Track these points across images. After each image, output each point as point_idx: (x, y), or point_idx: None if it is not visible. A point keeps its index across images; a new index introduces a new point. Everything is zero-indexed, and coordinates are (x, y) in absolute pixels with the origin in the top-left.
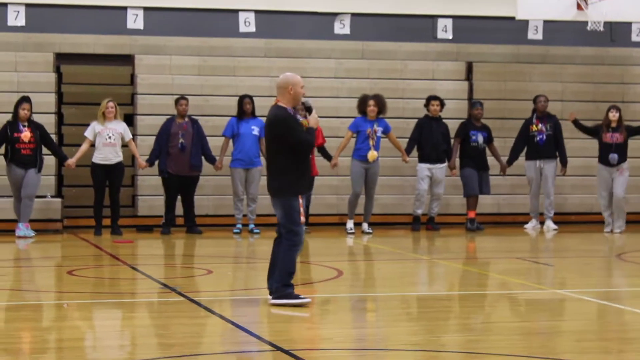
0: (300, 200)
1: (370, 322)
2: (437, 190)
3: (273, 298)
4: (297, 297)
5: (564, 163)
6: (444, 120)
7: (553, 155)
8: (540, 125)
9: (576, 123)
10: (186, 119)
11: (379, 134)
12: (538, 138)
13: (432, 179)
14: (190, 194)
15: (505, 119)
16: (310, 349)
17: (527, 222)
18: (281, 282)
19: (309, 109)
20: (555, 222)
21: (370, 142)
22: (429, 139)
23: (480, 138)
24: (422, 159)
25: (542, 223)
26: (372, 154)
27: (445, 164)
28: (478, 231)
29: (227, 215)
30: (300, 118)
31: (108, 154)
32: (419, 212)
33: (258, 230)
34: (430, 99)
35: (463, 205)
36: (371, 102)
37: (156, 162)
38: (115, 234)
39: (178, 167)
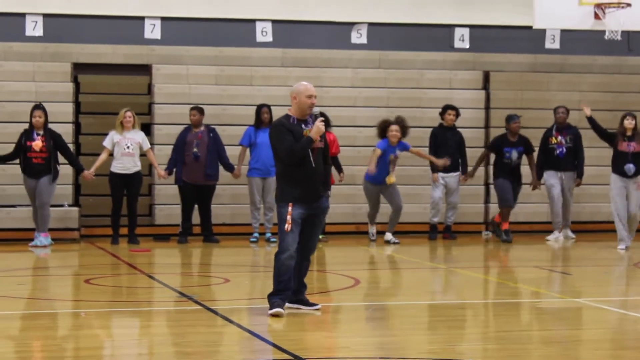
0: (290, 209)
1: (388, 330)
2: (452, 199)
3: None
4: (274, 306)
5: (579, 174)
6: (459, 129)
7: (573, 168)
8: (560, 137)
9: (591, 120)
10: (202, 128)
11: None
12: (558, 151)
13: (447, 187)
14: (206, 203)
15: (523, 128)
16: (328, 358)
17: (546, 232)
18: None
19: (315, 119)
20: (573, 231)
21: (391, 168)
22: (443, 148)
23: (515, 154)
24: (436, 168)
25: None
26: (390, 179)
27: (458, 173)
28: (508, 242)
29: (244, 224)
30: (305, 127)
31: (126, 164)
32: (435, 220)
33: (275, 239)
34: (447, 109)
35: (479, 214)
36: (394, 128)
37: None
38: (132, 242)
39: (193, 176)
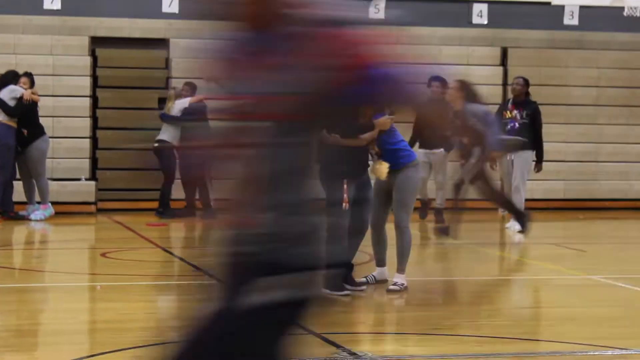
0: (345, 186)
1: (403, 306)
2: (438, 178)
3: None
4: (337, 288)
5: (539, 158)
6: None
7: (527, 147)
8: (515, 112)
9: None
10: None
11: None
12: (509, 126)
13: (431, 165)
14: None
15: (540, 105)
16: (343, 333)
17: (563, 209)
18: None
19: None
20: (589, 209)
21: (372, 149)
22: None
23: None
24: (420, 144)
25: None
26: (377, 168)
27: (442, 150)
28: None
29: None
30: None
31: None
32: (423, 198)
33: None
34: (430, 80)
35: None
36: None
37: None
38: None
39: None
